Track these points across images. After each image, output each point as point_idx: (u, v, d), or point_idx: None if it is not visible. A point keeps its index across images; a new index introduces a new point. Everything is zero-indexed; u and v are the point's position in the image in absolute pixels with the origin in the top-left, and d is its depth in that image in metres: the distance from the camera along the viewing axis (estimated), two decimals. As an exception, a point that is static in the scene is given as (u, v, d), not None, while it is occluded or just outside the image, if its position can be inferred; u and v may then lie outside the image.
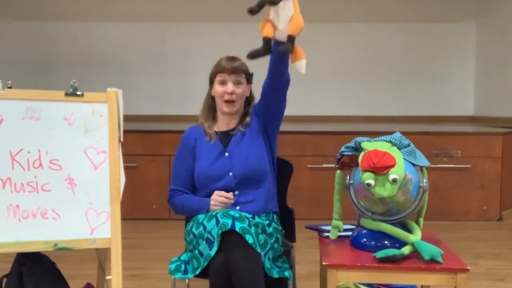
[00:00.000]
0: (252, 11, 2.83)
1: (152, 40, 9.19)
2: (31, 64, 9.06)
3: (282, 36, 2.91)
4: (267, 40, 2.91)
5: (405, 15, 9.21)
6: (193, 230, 3.14)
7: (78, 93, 2.73)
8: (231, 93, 3.35)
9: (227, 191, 3.23)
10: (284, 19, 2.86)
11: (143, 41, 9.19)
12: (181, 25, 9.16)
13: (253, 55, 2.93)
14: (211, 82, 3.47)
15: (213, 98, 3.48)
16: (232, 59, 3.43)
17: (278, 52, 2.95)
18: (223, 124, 3.49)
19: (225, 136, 3.44)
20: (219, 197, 3.19)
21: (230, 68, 3.37)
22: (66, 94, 2.72)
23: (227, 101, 3.37)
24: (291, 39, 2.87)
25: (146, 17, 9.15)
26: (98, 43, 9.17)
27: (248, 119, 3.46)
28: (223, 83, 3.38)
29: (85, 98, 2.74)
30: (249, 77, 3.46)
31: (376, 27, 9.21)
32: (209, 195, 3.26)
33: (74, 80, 2.75)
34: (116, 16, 9.17)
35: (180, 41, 9.18)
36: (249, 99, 3.50)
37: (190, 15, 9.15)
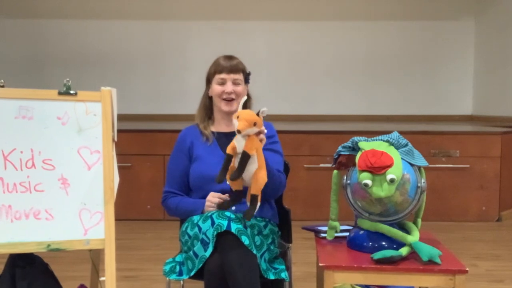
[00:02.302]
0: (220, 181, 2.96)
1: (146, 38, 9.19)
2: (23, 63, 9.06)
3: (248, 183, 3.00)
4: (238, 193, 3.04)
5: (403, 12, 9.20)
6: (188, 231, 3.11)
7: (72, 92, 2.70)
8: (230, 93, 3.32)
9: (224, 193, 3.19)
10: (249, 173, 2.94)
11: (137, 39, 9.18)
12: (176, 23, 9.15)
13: (226, 206, 3.06)
14: (208, 81, 3.44)
15: (210, 98, 3.45)
16: (230, 58, 3.42)
17: (242, 214, 2.98)
18: (221, 124, 3.46)
19: (224, 138, 3.38)
20: (214, 199, 3.16)
21: (229, 67, 3.36)
22: (59, 93, 2.69)
23: (225, 100, 3.34)
24: (253, 198, 2.95)
25: (141, 15, 9.14)
26: (91, 41, 9.16)
27: None
28: (222, 83, 3.35)
29: (79, 97, 2.71)
30: (246, 77, 3.43)
31: (373, 25, 9.20)
32: (204, 197, 3.22)
33: (68, 79, 2.72)
34: (111, 14, 9.16)
35: (175, 39, 9.18)
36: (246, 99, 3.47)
37: (186, 13, 9.14)
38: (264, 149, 3.28)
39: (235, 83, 3.36)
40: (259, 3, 9.09)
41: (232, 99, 3.35)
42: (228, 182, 2.98)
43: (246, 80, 3.44)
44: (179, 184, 3.37)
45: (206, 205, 3.17)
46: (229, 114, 3.37)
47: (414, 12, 9.21)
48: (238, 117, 2.88)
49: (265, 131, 2.99)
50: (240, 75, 3.38)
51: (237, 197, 3.03)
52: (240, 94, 3.37)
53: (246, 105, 3.34)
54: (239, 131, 2.84)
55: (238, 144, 2.90)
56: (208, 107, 3.50)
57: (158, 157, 6.72)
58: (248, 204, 2.97)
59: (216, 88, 3.37)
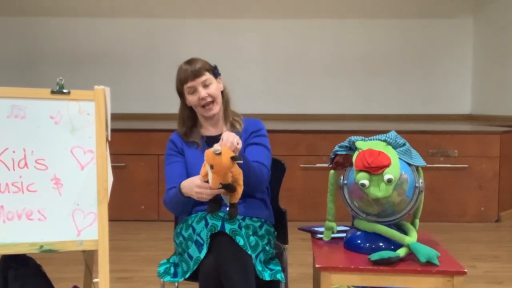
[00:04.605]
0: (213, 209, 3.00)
1: (140, 36, 9.20)
2: (16, 61, 9.08)
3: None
4: (215, 199, 3.00)
5: (400, 10, 9.21)
6: (183, 232, 3.09)
7: (65, 91, 2.67)
8: (205, 98, 3.26)
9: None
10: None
11: (131, 37, 9.20)
12: (170, 21, 9.17)
13: (212, 211, 3.00)
14: (181, 94, 3.37)
15: (190, 108, 3.38)
16: (191, 62, 3.33)
17: (226, 215, 2.96)
18: (208, 128, 3.39)
19: (213, 141, 3.27)
20: (203, 190, 2.97)
21: (191, 73, 3.26)
22: (52, 92, 2.67)
23: (204, 106, 3.29)
24: (232, 205, 2.97)
25: (135, 13, 9.16)
26: (85, 39, 9.18)
27: (238, 126, 3.37)
28: (193, 92, 3.28)
29: (72, 96, 2.68)
30: (214, 72, 3.35)
31: (370, 23, 9.21)
32: (198, 202, 3.16)
33: (61, 78, 2.69)
34: (104, 11, 9.17)
35: (169, 37, 9.19)
36: (222, 92, 3.41)
37: (181, 11, 9.15)
38: (249, 143, 3.25)
39: (205, 85, 3.29)
40: (254, 0, 9.08)
41: (210, 102, 3.29)
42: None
43: (216, 74, 3.35)
44: (180, 176, 3.24)
45: (197, 196, 3.00)
46: (212, 118, 3.34)
47: (411, 10, 9.21)
48: (212, 167, 2.83)
49: (234, 142, 2.91)
50: (206, 75, 3.29)
51: (217, 203, 3.00)
52: (216, 94, 3.30)
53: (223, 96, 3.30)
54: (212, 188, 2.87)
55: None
56: (189, 117, 3.42)
57: (152, 157, 6.68)
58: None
59: (190, 99, 3.30)
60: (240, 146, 2.92)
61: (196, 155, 3.29)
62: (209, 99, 3.27)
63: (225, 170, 2.83)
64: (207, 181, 2.89)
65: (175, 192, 3.13)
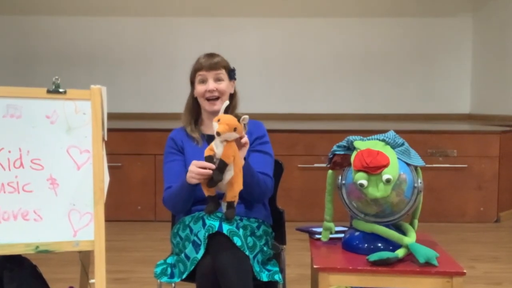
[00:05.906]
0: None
1: (137, 35, 9.20)
2: (11, 61, 9.07)
3: (224, 189, 2.95)
4: (212, 198, 2.96)
5: (399, 9, 9.21)
6: (180, 232, 3.07)
7: (61, 90, 2.66)
8: (212, 90, 3.25)
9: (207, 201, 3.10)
10: (224, 180, 2.89)
11: (128, 36, 9.19)
12: (167, 20, 9.17)
13: (211, 212, 2.95)
14: (192, 82, 3.37)
15: (196, 99, 3.38)
16: (211, 55, 3.33)
17: (224, 216, 2.93)
18: (210, 126, 3.35)
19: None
20: (197, 169, 2.91)
21: (209, 64, 3.27)
22: (48, 91, 2.65)
23: (209, 99, 3.27)
24: (229, 205, 2.93)
25: (131, 12, 9.15)
26: (81, 38, 9.18)
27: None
28: (203, 81, 3.28)
29: (68, 96, 2.67)
30: (230, 73, 3.34)
31: (369, 21, 9.21)
32: (196, 200, 3.15)
33: (57, 77, 2.68)
34: (100, 10, 9.18)
35: (166, 36, 9.19)
36: (232, 96, 3.40)
37: (177, 10, 9.15)
38: (253, 150, 3.22)
39: (217, 79, 3.28)
40: (252, -1, 9.11)
41: (216, 98, 3.27)
42: (202, 188, 2.93)
43: (231, 77, 3.36)
44: (179, 176, 3.19)
45: (188, 176, 2.98)
46: (214, 114, 3.23)
47: (410, 9, 9.21)
48: (219, 120, 2.83)
49: (245, 136, 2.93)
50: (222, 71, 3.29)
51: (214, 202, 2.96)
52: (224, 92, 3.28)
53: (229, 107, 3.28)
54: (218, 133, 2.79)
55: (216, 149, 2.85)
56: (193, 109, 3.41)
57: (149, 157, 6.67)
58: (225, 209, 2.93)
59: (198, 88, 3.29)
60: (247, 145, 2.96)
61: (196, 152, 3.25)
62: (215, 94, 3.26)
63: (232, 119, 2.82)
64: (209, 157, 2.86)
65: (181, 183, 3.08)
